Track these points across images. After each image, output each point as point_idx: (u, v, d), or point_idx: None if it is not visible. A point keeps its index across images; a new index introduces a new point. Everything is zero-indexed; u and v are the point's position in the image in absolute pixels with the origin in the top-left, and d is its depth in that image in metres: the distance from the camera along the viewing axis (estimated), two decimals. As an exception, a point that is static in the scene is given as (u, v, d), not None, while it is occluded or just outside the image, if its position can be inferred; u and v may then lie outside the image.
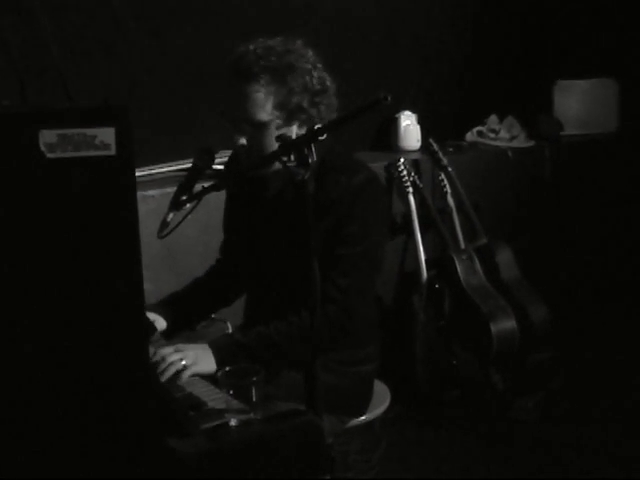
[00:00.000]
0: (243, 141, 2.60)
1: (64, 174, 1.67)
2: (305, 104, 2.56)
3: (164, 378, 2.37)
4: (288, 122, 2.57)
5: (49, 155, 1.64)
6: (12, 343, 1.70)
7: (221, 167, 3.95)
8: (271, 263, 2.76)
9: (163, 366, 2.40)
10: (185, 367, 2.41)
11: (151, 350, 2.42)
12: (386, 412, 3.01)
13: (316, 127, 2.18)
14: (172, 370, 2.40)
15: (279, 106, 2.54)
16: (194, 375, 2.41)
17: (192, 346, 2.53)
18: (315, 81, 2.58)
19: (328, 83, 2.64)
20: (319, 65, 2.63)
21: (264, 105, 2.52)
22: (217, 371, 2.34)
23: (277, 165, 2.40)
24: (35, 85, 3.80)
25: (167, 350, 2.47)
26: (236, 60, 2.56)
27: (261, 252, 2.82)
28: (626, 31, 5.68)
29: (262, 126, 2.55)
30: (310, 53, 2.62)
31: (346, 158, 2.75)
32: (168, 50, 4.23)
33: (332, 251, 2.59)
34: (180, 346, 2.50)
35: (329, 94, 2.64)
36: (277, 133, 2.50)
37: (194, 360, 2.44)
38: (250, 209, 2.86)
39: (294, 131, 2.60)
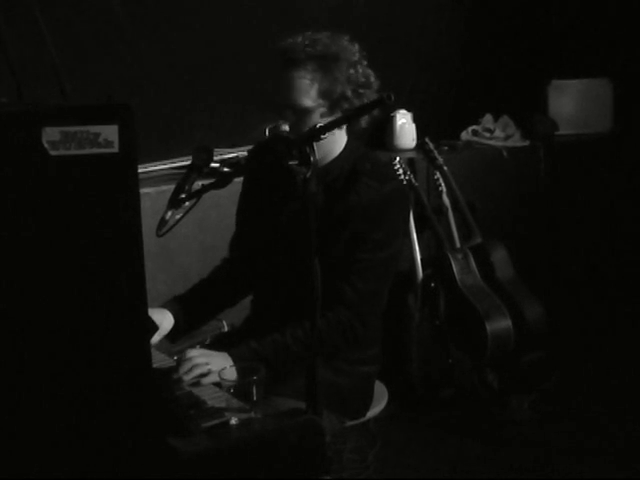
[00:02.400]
0: (286, 127, 2.59)
1: (67, 171, 1.66)
2: (349, 94, 2.60)
3: (188, 378, 2.35)
4: (331, 111, 2.60)
5: (52, 152, 1.63)
6: (13, 341, 1.69)
7: (217, 165, 3.97)
8: (285, 259, 2.75)
9: (187, 366, 2.39)
10: (210, 372, 2.38)
11: (153, 350, 2.42)
12: (382, 411, 3.01)
13: (318, 126, 2.17)
14: (196, 372, 2.37)
15: (323, 94, 2.58)
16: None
17: (216, 353, 2.51)
18: (359, 74, 2.63)
19: (372, 79, 2.69)
20: (365, 62, 2.68)
21: (309, 91, 2.57)
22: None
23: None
24: (31, 82, 3.79)
25: (193, 352, 2.46)
26: (284, 49, 2.61)
27: (276, 247, 2.81)
28: (621, 31, 5.69)
29: (305, 112, 2.58)
30: (356, 48, 2.67)
31: (378, 165, 2.77)
32: (165, 48, 4.23)
33: (354, 254, 2.61)
34: (206, 351, 2.50)
35: (372, 90, 2.67)
36: (320, 123, 2.54)
37: (220, 367, 2.37)
38: (271, 202, 2.86)
39: None
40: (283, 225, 2.78)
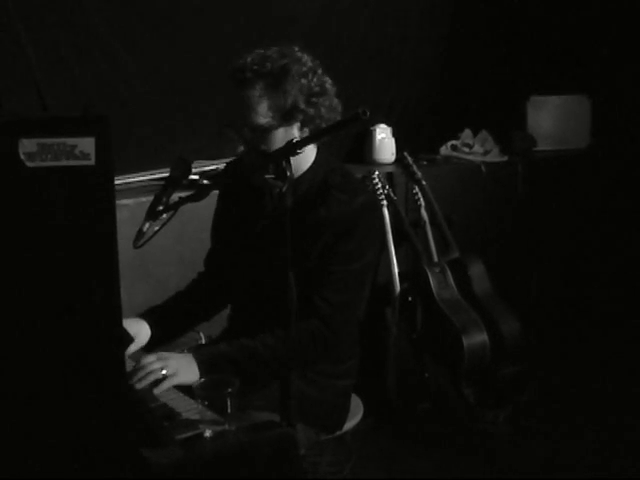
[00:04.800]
0: (241, 149, 2.63)
1: (44, 183, 1.67)
2: (301, 104, 2.59)
3: (140, 385, 2.35)
4: (286, 122, 2.60)
5: (29, 164, 1.64)
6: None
7: (196, 177, 3.97)
8: (260, 272, 2.76)
9: (142, 374, 2.39)
10: (165, 377, 2.39)
11: (128, 361, 2.42)
12: (358, 424, 3.02)
13: (294, 140, 2.19)
14: (150, 378, 2.37)
15: (274, 108, 2.57)
16: (175, 385, 2.40)
17: (175, 355, 2.52)
18: (312, 83, 2.62)
19: (328, 85, 2.68)
20: (319, 70, 2.68)
21: (257, 108, 2.57)
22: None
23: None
24: (11, 94, 3.79)
25: (149, 358, 2.46)
26: (233, 71, 2.61)
27: (251, 262, 2.82)
28: (598, 49, 5.74)
29: (260, 129, 2.58)
30: (306, 58, 2.66)
31: (349, 178, 2.79)
32: (144, 60, 4.24)
33: (327, 266, 2.62)
34: (163, 354, 2.49)
35: (329, 95, 2.67)
36: (280, 137, 2.56)
37: (176, 370, 2.41)
38: (245, 217, 2.87)
39: (296, 134, 2.62)
40: (258, 239, 2.79)
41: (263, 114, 2.57)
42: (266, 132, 2.59)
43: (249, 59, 2.60)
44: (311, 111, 2.61)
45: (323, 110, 2.64)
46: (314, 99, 2.62)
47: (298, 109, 2.59)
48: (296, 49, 2.67)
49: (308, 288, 2.56)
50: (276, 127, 2.59)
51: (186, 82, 4.36)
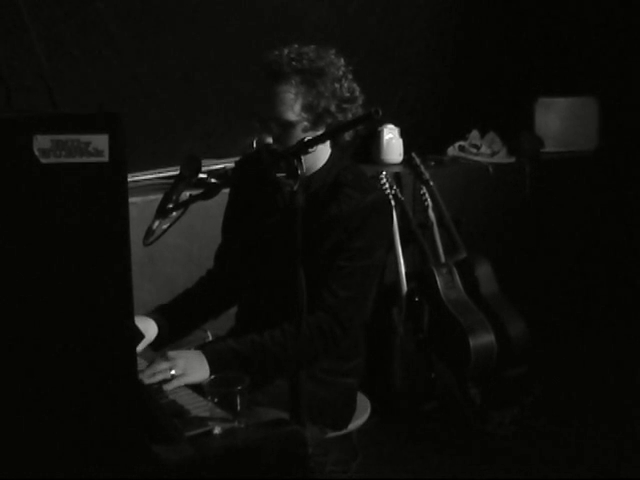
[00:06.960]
0: (269, 140, 2.63)
1: (57, 179, 1.67)
2: (333, 108, 2.62)
3: (147, 382, 2.36)
4: (315, 125, 2.62)
5: (43, 160, 1.64)
6: (-1, 348, 1.70)
7: (205, 176, 3.98)
8: (270, 269, 2.76)
9: (149, 372, 2.39)
10: (173, 377, 2.40)
11: (139, 360, 2.43)
12: (364, 424, 3.02)
13: (306, 139, 2.19)
14: (158, 378, 2.38)
15: (307, 108, 2.59)
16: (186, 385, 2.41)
17: (184, 353, 2.52)
18: (344, 89, 2.65)
19: (357, 93, 2.71)
20: (350, 75, 2.69)
21: (293, 105, 2.58)
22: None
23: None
24: (21, 91, 3.80)
25: (161, 364, 2.45)
26: (269, 62, 2.62)
27: (261, 258, 2.82)
28: (607, 50, 5.74)
29: (289, 126, 2.60)
30: (342, 62, 2.68)
31: (361, 176, 2.80)
32: (154, 58, 4.24)
33: (336, 262, 2.63)
34: (171, 354, 2.49)
35: (357, 104, 2.70)
36: (303, 136, 2.54)
37: (184, 370, 2.42)
38: (256, 214, 2.87)
39: None
40: (268, 236, 2.79)
41: (296, 112, 2.59)
42: (292, 128, 2.60)
43: (286, 52, 2.61)
44: (340, 117, 2.63)
45: (350, 117, 2.66)
46: (345, 105, 2.64)
47: (329, 113, 2.61)
48: (332, 51, 2.68)
49: (315, 282, 2.57)
50: (303, 127, 2.60)
51: (195, 81, 4.37)
